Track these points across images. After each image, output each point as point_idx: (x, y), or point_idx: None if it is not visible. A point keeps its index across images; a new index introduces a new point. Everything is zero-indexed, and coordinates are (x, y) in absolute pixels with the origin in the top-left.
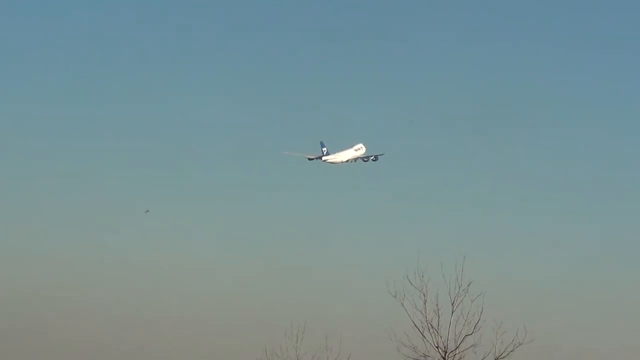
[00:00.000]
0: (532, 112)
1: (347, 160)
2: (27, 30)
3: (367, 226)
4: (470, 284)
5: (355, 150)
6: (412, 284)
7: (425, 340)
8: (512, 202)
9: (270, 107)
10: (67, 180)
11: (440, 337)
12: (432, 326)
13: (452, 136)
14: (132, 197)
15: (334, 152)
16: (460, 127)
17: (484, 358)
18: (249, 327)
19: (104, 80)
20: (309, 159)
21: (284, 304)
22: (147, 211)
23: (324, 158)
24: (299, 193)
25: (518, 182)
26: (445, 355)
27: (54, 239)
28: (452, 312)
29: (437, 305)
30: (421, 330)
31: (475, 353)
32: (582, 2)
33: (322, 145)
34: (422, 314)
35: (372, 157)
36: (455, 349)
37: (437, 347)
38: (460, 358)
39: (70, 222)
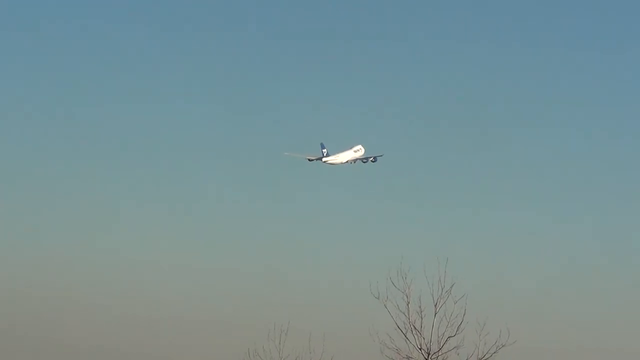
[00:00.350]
0: (520, 114)
1: (347, 162)
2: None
3: (350, 227)
4: (453, 285)
5: (355, 151)
6: (395, 286)
7: (408, 341)
8: (496, 204)
9: (271, 108)
10: (67, 181)
11: (423, 338)
12: (415, 328)
13: (436, 138)
14: (132, 198)
15: (334, 154)
16: (446, 128)
17: (467, 359)
18: (231, 329)
19: (104, 80)
20: (309, 160)
21: (267, 305)
22: None
23: (324, 159)
24: (292, 194)
25: (501, 184)
26: (428, 356)
27: (52, 240)
28: (435, 314)
29: (420, 306)
30: (404, 331)
31: (458, 354)
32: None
33: (323, 147)
34: (405, 315)
35: (371, 159)
36: (438, 350)
37: (420, 349)
38: (443, 359)
39: (67, 222)
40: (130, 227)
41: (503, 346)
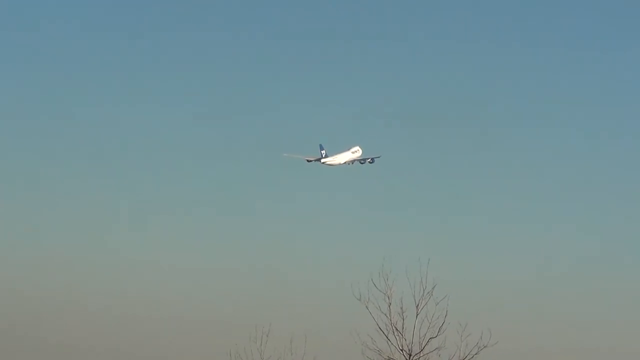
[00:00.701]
0: (515, 115)
1: (345, 163)
2: None
3: (333, 228)
4: (434, 286)
5: (352, 152)
6: (376, 287)
7: (389, 343)
8: (477, 205)
9: (270, 108)
10: (67, 181)
11: (405, 340)
12: (396, 329)
13: (419, 139)
14: (131, 199)
15: (332, 155)
16: (429, 129)
17: None
18: (212, 330)
19: (104, 81)
20: (308, 161)
21: (248, 306)
22: None
23: (322, 160)
24: (282, 194)
25: (482, 185)
26: (409, 357)
27: (51, 240)
28: (417, 315)
29: (401, 308)
30: (386, 333)
31: (439, 356)
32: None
33: (321, 148)
34: (387, 317)
35: (368, 160)
36: (420, 351)
37: (402, 350)
38: None
39: (67, 222)
40: (129, 227)
41: (484, 347)
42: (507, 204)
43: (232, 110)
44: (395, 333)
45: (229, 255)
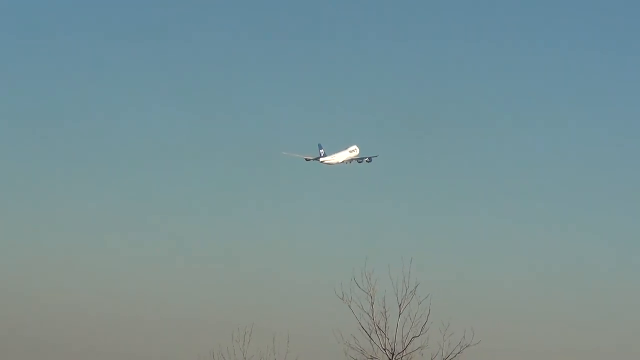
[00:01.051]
0: (497, 116)
1: (343, 162)
2: None
3: (318, 228)
4: (417, 286)
5: (350, 152)
6: (359, 287)
7: (372, 342)
8: (460, 204)
9: (271, 107)
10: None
11: (388, 339)
12: (379, 328)
13: (400, 137)
14: (128, 197)
15: (330, 154)
16: (410, 128)
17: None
18: (195, 329)
19: (102, 81)
20: (307, 160)
21: (231, 306)
22: None
23: (321, 160)
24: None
25: (465, 184)
26: (392, 357)
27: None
28: (400, 315)
29: (384, 307)
30: (369, 332)
31: (422, 355)
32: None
33: (320, 147)
34: (370, 316)
35: (366, 159)
36: (403, 351)
37: (385, 350)
38: None
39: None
40: (122, 227)
41: (467, 346)
42: (492, 204)
43: (229, 110)
44: (378, 332)
45: (212, 254)
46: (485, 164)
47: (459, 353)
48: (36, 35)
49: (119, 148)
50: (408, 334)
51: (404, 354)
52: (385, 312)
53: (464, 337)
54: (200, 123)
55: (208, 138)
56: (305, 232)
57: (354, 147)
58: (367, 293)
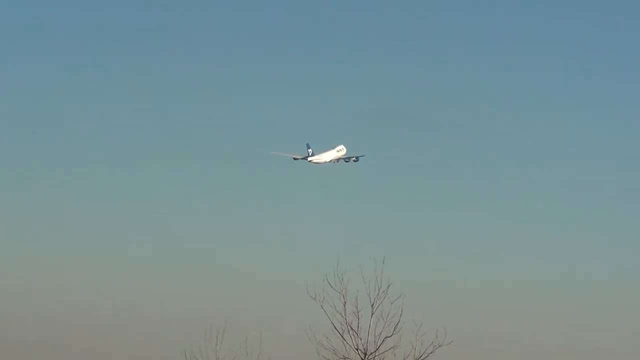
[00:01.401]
0: (457, 113)
1: (330, 161)
2: None
3: (288, 226)
4: (389, 285)
5: (337, 151)
6: (331, 286)
7: (345, 342)
8: (432, 203)
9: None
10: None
11: (360, 339)
12: (351, 328)
13: (377, 135)
14: (115, 196)
15: (318, 153)
16: (386, 126)
17: (403, 359)
18: (166, 329)
19: (100, 81)
20: (295, 159)
21: (204, 305)
22: None
23: (309, 159)
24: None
25: (437, 182)
26: (365, 357)
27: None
28: (372, 314)
29: (356, 307)
30: (341, 332)
31: (395, 355)
32: None
33: (308, 147)
34: (342, 316)
35: (353, 158)
36: (375, 350)
37: (357, 349)
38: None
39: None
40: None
41: (440, 346)
42: (464, 204)
43: (220, 108)
44: (351, 332)
45: (185, 253)
46: (462, 163)
47: (431, 353)
48: (35, 35)
49: (113, 149)
50: (380, 333)
51: (377, 354)
52: (358, 312)
53: (436, 336)
54: (190, 123)
55: (197, 137)
56: (278, 231)
57: (341, 147)
58: (339, 293)
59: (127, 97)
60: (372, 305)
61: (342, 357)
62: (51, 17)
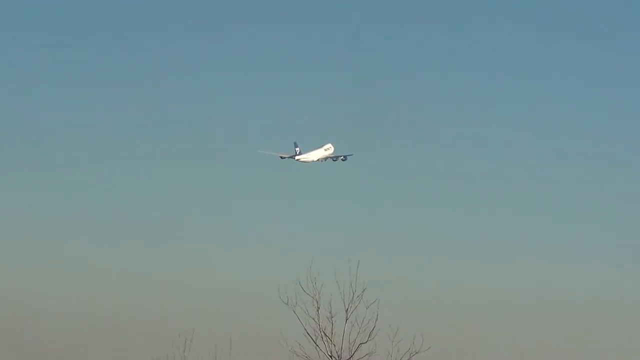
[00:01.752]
0: (425, 111)
1: (318, 160)
2: None
3: (260, 228)
4: (364, 290)
5: (325, 150)
6: (304, 291)
7: (318, 348)
8: (410, 204)
9: (250, 105)
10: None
11: (334, 345)
12: (325, 334)
13: (346, 135)
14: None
15: (306, 152)
16: (359, 126)
17: None
18: (133, 335)
19: (99, 87)
20: (281, 158)
21: (171, 311)
22: None
23: (296, 157)
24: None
25: (416, 183)
26: None
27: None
28: (346, 320)
29: (330, 312)
30: (314, 338)
31: None
32: None
33: (296, 145)
34: (315, 321)
35: (341, 157)
36: (350, 357)
37: (331, 356)
38: None
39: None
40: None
41: (416, 353)
42: (442, 204)
43: (210, 107)
44: (324, 338)
45: (154, 256)
46: (440, 165)
47: None
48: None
49: (97, 147)
50: (355, 339)
51: None
52: (332, 317)
53: (413, 343)
54: (177, 119)
55: (187, 136)
56: (249, 232)
57: (329, 145)
58: (312, 297)
59: (119, 98)
60: (347, 310)
61: None
62: (51, 17)
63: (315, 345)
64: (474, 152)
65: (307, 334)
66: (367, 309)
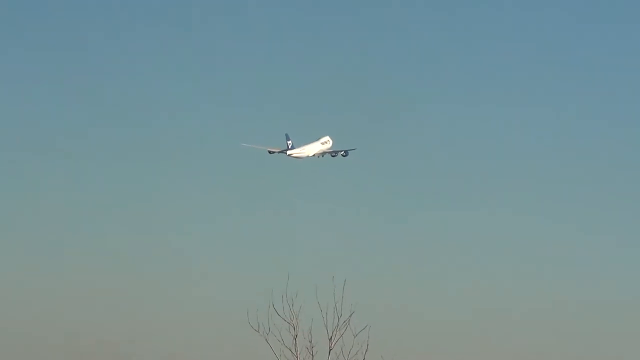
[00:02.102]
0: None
1: (314, 155)
2: None
3: (227, 239)
4: (352, 314)
5: (322, 143)
6: (279, 315)
7: None
8: (398, 210)
9: (233, 97)
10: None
11: None
12: None
13: (342, 128)
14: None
15: (299, 146)
16: (346, 126)
17: None
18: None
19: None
20: (270, 152)
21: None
22: None
23: (288, 152)
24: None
25: (416, 183)
26: None
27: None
28: (330, 350)
29: (310, 341)
30: None
31: None
32: None
33: (287, 138)
34: (292, 352)
35: (341, 152)
36: None
37: None
38: None
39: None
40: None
41: None
42: (443, 205)
43: (193, 99)
44: None
45: (117, 273)
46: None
47: None
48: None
49: (85, 147)
50: None
51: None
52: (312, 347)
53: None
54: (157, 113)
55: (167, 127)
56: (218, 244)
57: (326, 138)
58: (289, 323)
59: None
60: (330, 339)
61: None
62: (51, 16)
63: None
64: (474, 152)
65: None
66: (355, 337)
